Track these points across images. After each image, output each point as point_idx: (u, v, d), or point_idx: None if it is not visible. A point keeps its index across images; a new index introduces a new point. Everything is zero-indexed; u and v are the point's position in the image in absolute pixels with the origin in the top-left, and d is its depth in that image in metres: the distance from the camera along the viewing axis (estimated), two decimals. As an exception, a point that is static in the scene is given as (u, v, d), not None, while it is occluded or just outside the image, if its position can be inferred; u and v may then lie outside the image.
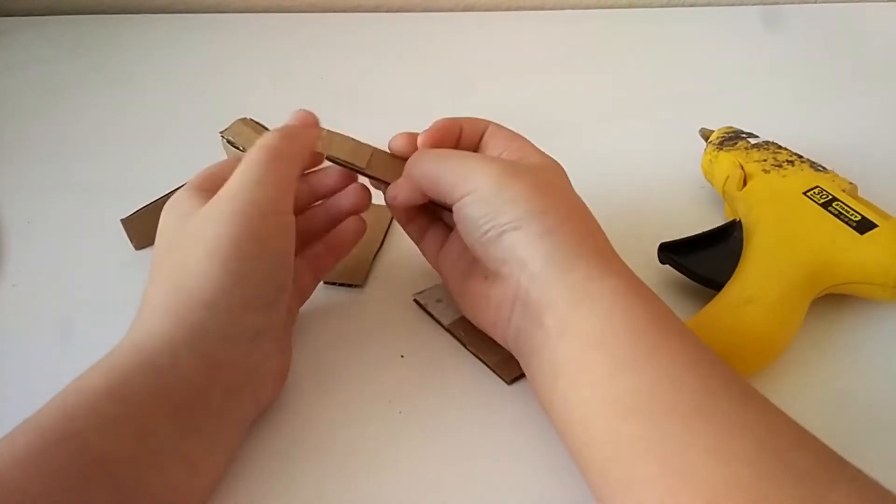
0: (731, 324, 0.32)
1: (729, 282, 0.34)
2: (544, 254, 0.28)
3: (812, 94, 0.57)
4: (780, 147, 0.41)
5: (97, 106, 0.58)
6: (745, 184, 0.39)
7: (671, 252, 0.36)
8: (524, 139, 0.33)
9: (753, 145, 0.41)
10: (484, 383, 0.32)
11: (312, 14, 0.74)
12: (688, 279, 0.35)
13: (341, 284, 0.38)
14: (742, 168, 0.39)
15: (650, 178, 0.46)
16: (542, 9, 0.75)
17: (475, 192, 0.29)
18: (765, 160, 0.40)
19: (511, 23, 0.72)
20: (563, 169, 0.32)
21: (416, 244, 0.36)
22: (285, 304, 0.30)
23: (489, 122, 0.35)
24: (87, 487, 0.22)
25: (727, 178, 0.40)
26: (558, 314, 0.27)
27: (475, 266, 0.32)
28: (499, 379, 0.32)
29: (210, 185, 0.30)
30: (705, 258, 0.36)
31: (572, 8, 0.74)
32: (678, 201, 0.44)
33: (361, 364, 0.33)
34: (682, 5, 0.74)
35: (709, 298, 0.33)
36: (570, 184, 0.32)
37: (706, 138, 0.45)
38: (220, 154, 0.44)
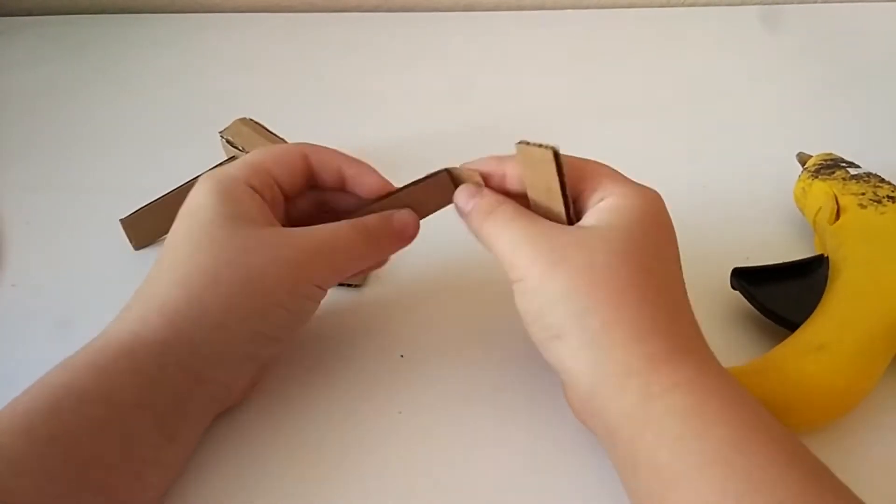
0: (796, 372, 0.28)
1: (803, 324, 0.31)
2: (589, 371, 0.25)
3: (811, 95, 0.57)
4: (882, 180, 0.37)
5: (97, 106, 0.57)
6: (837, 217, 0.35)
7: (744, 280, 0.33)
8: (606, 174, 0.29)
9: (853, 176, 0.38)
10: (484, 384, 0.32)
11: (312, 14, 0.74)
12: (760, 314, 0.32)
13: (341, 284, 0.38)
14: (836, 200, 0.36)
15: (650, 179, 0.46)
16: (543, 8, 0.75)
17: (522, 281, 0.27)
18: (863, 194, 0.36)
19: (512, 23, 0.72)
20: (653, 206, 0.28)
21: None
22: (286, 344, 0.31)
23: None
24: (78, 491, 0.22)
25: (819, 209, 0.37)
26: (625, 440, 0.24)
27: None
28: (499, 379, 0.32)
29: (261, 183, 0.30)
30: (781, 292, 0.32)
31: (573, 8, 0.74)
32: (680, 206, 0.44)
33: (361, 364, 0.33)
34: (682, 5, 0.74)
35: (781, 338, 0.31)
36: (660, 229, 0.28)
37: (803, 164, 0.41)
38: (219, 154, 0.44)
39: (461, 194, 0.30)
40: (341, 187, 0.32)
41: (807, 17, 0.71)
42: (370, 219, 0.30)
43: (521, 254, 0.27)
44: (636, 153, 0.49)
